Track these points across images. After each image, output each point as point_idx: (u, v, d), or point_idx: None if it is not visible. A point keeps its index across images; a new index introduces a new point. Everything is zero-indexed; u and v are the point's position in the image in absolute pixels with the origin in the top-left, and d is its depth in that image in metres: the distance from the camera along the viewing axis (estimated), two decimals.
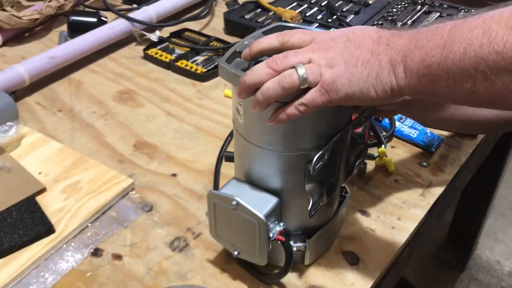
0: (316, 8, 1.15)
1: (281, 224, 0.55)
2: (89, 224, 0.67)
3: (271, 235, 0.54)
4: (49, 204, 0.68)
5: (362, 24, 1.07)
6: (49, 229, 0.64)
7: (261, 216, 0.52)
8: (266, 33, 0.57)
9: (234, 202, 0.53)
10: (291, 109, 0.48)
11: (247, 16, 1.12)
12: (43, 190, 0.70)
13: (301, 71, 0.47)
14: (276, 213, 0.55)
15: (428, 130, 0.81)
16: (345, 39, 0.48)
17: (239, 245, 0.57)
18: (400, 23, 1.07)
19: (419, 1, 1.16)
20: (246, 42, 0.55)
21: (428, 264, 1.62)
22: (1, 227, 0.64)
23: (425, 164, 0.77)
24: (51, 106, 0.90)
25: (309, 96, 0.47)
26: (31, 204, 0.67)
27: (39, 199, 0.69)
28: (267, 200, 0.54)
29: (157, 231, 0.67)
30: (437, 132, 0.82)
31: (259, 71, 0.48)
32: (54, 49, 0.94)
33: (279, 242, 0.55)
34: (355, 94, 0.47)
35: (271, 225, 0.54)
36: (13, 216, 0.65)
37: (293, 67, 0.47)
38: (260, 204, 0.54)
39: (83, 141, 0.82)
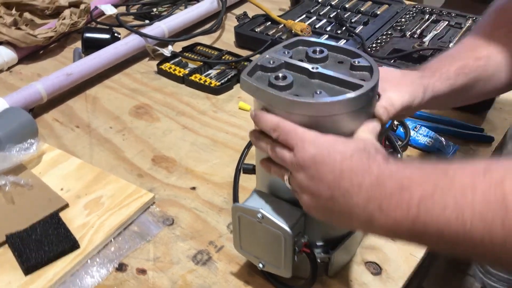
0: (325, 20, 1.16)
1: (305, 236, 0.56)
2: (112, 239, 0.68)
3: (296, 247, 0.54)
4: (72, 220, 0.69)
5: (372, 34, 1.08)
6: (73, 245, 0.65)
7: (287, 228, 0.53)
8: (286, 47, 0.58)
9: (259, 215, 0.54)
10: (276, 172, 0.53)
11: (257, 29, 1.13)
12: (65, 206, 0.71)
13: (286, 180, 0.51)
14: (301, 225, 0.56)
15: (443, 138, 0.82)
16: (333, 190, 0.47)
17: (264, 257, 0.58)
18: (409, 33, 1.08)
19: (427, 10, 1.18)
20: (267, 56, 0.56)
21: (450, 274, 1.60)
22: (27, 243, 0.64)
23: None
24: (69, 122, 0.91)
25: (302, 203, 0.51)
26: (55, 220, 0.68)
27: (62, 215, 0.69)
28: (292, 212, 0.55)
29: (179, 244, 0.67)
30: (453, 141, 0.82)
31: (261, 142, 0.53)
32: (71, 66, 0.96)
33: (303, 254, 0.55)
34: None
35: (296, 237, 0.55)
36: (37, 232, 0.66)
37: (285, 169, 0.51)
38: (285, 216, 0.54)
39: (102, 156, 0.83)
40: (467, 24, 1.10)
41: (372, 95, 0.51)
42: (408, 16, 1.16)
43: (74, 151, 0.84)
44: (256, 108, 0.54)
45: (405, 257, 0.64)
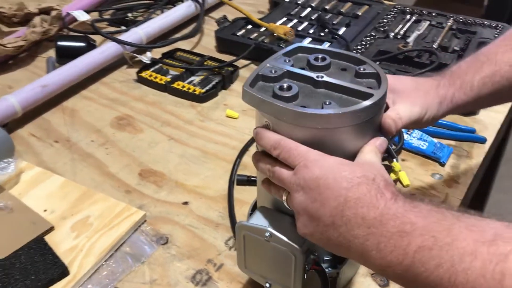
0: (306, 23, 1.14)
1: (315, 253, 0.53)
2: (104, 263, 0.63)
3: (306, 265, 0.52)
4: (59, 243, 0.64)
5: (356, 36, 1.07)
6: (63, 272, 0.60)
7: (298, 247, 0.50)
8: (286, 54, 0.55)
9: (267, 234, 0.51)
10: (275, 192, 0.51)
11: (238, 33, 1.10)
12: (51, 229, 0.66)
13: (284, 200, 0.49)
14: (310, 242, 0.53)
15: (437, 141, 0.81)
16: (339, 210, 0.44)
17: (271, 277, 0.55)
18: (393, 34, 1.07)
19: (408, 11, 1.17)
20: (268, 65, 0.53)
21: None
22: (10, 273, 0.59)
23: (438, 176, 0.76)
24: (47, 137, 0.86)
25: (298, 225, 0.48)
26: (41, 245, 0.63)
27: (47, 239, 0.65)
28: None
29: (176, 265, 0.64)
30: (446, 142, 0.81)
31: (261, 164, 0.50)
32: (46, 77, 0.90)
33: (313, 271, 0.53)
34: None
35: (306, 255, 0.52)
36: (22, 260, 0.61)
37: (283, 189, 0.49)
38: (294, 233, 0.51)
39: (85, 172, 0.78)
40: (449, 24, 1.10)
41: (383, 103, 0.49)
42: (389, 16, 1.15)
43: (54, 168, 0.79)
44: (258, 122, 0.51)
45: None
